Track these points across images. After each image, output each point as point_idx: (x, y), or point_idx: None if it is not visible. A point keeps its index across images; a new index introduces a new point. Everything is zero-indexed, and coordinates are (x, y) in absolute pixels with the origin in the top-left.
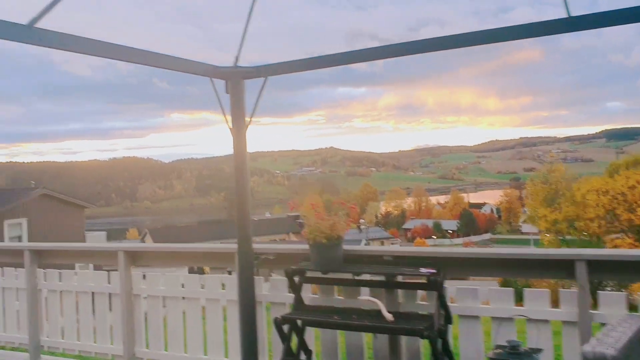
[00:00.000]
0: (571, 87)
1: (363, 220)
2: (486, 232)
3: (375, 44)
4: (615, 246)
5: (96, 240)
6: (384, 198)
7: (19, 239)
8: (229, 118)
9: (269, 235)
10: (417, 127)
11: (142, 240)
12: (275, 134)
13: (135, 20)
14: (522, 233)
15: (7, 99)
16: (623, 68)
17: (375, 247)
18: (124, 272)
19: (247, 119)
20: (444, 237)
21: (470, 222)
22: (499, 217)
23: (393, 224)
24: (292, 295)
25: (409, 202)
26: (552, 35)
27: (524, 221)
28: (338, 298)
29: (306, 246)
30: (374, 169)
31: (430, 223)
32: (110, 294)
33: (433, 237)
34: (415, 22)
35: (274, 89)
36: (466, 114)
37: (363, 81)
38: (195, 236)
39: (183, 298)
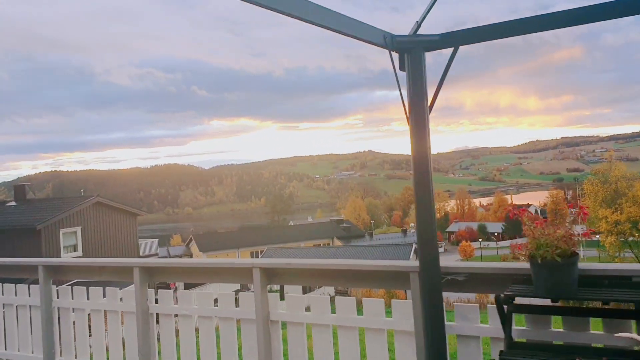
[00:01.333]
0: (614, 85)
1: (413, 225)
2: None
3: None
4: None
5: (149, 247)
6: None
7: (74, 247)
8: (406, 103)
9: (313, 240)
10: (456, 128)
11: (187, 247)
12: (313, 138)
13: (170, 28)
14: None
15: (52, 110)
16: None
17: (620, 266)
18: (260, 293)
19: (428, 104)
20: (489, 240)
21: (515, 224)
22: (545, 218)
23: (437, 227)
24: (487, 326)
25: (451, 205)
26: (592, 32)
27: (572, 221)
28: (555, 331)
29: (502, 263)
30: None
31: (474, 226)
32: (238, 320)
33: (479, 240)
34: (453, 23)
35: (311, 93)
36: (506, 115)
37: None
38: (238, 242)
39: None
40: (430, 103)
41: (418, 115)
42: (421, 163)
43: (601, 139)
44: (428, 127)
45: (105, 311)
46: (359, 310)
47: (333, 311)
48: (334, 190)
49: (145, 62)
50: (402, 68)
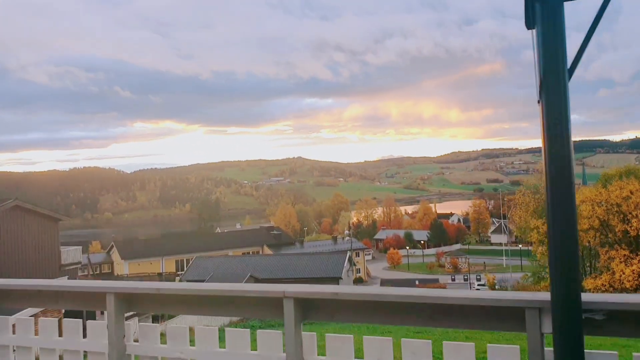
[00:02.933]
0: (532, 99)
1: (348, 232)
2: (456, 242)
3: (341, 55)
4: (610, 258)
5: (72, 255)
6: (355, 208)
7: None
8: (536, 71)
9: (242, 248)
10: (382, 138)
11: (108, 254)
12: (242, 143)
13: (92, 26)
14: (492, 244)
15: None
16: (582, 81)
17: None
18: (293, 332)
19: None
20: (415, 247)
21: (440, 232)
22: (467, 227)
23: (364, 234)
24: None
25: (378, 212)
26: (512, 48)
27: (492, 231)
28: None
29: None
30: (341, 179)
31: (401, 233)
32: None
33: (406, 247)
34: (381, 34)
35: (240, 98)
36: (429, 126)
37: (329, 92)
38: (163, 249)
39: None
40: (570, 68)
41: (555, 87)
42: (559, 153)
43: (519, 152)
44: (568, 103)
45: (61, 351)
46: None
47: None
48: (262, 196)
49: (65, 60)
50: (531, 24)
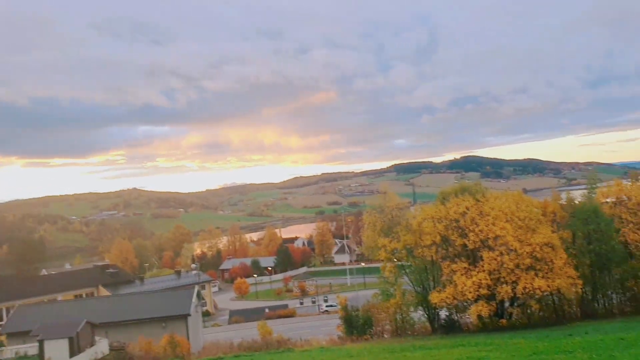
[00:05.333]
0: (364, 126)
1: (195, 265)
2: (302, 265)
3: (177, 80)
4: (452, 271)
5: None
6: (198, 239)
7: None
8: None
9: (73, 290)
10: (224, 165)
11: None
12: (68, 175)
13: None
14: (335, 264)
15: None
16: (407, 108)
17: None
18: None
19: None
20: (262, 274)
21: (286, 257)
22: (312, 249)
23: (209, 265)
24: None
25: (223, 242)
26: (345, 77)
27: (336, 252)
28: None
29: None
30: (182, 209)
31: (248, 261)
32: None
33: (254, 275)
34: (217, 59)
35: (64, 126)
36: (270, 152)
37: (165, 119)
38: None
39: None
40: None
41: None
42: None
43: (356, 174)
44: None
45: None
46: None
47: None
48: (94, 232)
49: None
50: None
